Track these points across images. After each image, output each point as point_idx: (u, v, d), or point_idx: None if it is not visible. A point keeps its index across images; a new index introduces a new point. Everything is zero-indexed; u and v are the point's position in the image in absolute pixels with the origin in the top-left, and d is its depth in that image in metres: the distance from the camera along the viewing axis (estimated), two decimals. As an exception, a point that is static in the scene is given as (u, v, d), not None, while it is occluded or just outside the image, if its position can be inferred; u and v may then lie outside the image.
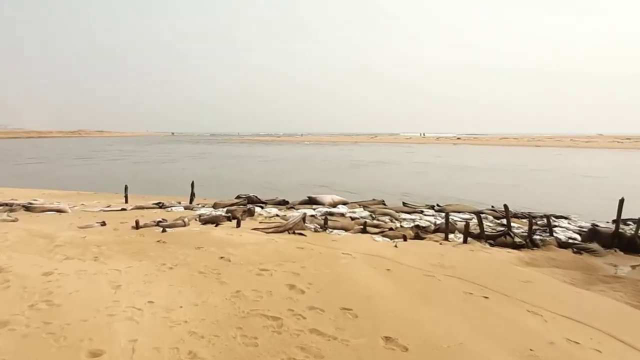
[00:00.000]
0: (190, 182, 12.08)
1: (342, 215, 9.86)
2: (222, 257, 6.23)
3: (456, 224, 9.05)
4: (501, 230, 8.38)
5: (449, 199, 14.11)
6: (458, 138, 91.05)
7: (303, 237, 7.93)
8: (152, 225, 8.19)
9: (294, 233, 8.07)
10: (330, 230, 8.44)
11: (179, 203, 11.84)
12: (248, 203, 10.94)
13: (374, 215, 10.08)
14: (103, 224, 8.24)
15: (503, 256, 7.03)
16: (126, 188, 11.88)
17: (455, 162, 33.81)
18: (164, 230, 7.76)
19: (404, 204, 12.14)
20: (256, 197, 11.33)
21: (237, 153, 47.94)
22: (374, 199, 12.48)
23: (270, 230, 8.18)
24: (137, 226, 8.00)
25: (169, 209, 10.43)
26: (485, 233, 8.21)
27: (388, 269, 6.01)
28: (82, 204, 11.31)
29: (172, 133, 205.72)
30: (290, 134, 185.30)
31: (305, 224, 8.51)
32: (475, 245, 7.77)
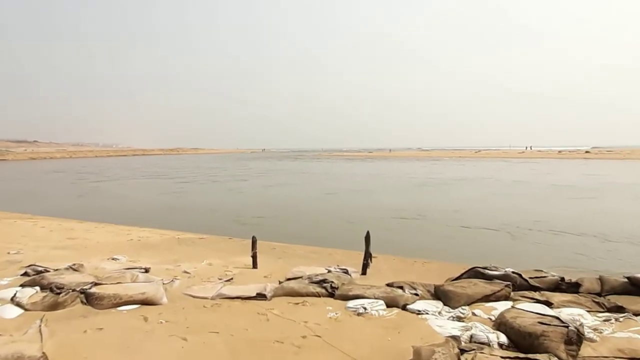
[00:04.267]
0: (365, 234, 6.65)
1: None
2: None
3: None
4: None
5: None
6: (587, 152, 75.56)
7: None
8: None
9: None
10: None
11: (345, 272, 6.45)
12: (514, 289, 5.12)
13: None
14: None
15: None
16: (254, 242, 6.81)
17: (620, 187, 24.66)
18: None
19: (630, 281, 5.25)
20: (519, 275, 5.40)
21: (325, 169, 43.13)
22: None
23: None
24: None
25: (356, 307, 4.90)
26: None
27: None
28: (185, 271, 6.47)
29: (263, 149, 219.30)
30: (379, 149, 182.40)
31: None
32: None
